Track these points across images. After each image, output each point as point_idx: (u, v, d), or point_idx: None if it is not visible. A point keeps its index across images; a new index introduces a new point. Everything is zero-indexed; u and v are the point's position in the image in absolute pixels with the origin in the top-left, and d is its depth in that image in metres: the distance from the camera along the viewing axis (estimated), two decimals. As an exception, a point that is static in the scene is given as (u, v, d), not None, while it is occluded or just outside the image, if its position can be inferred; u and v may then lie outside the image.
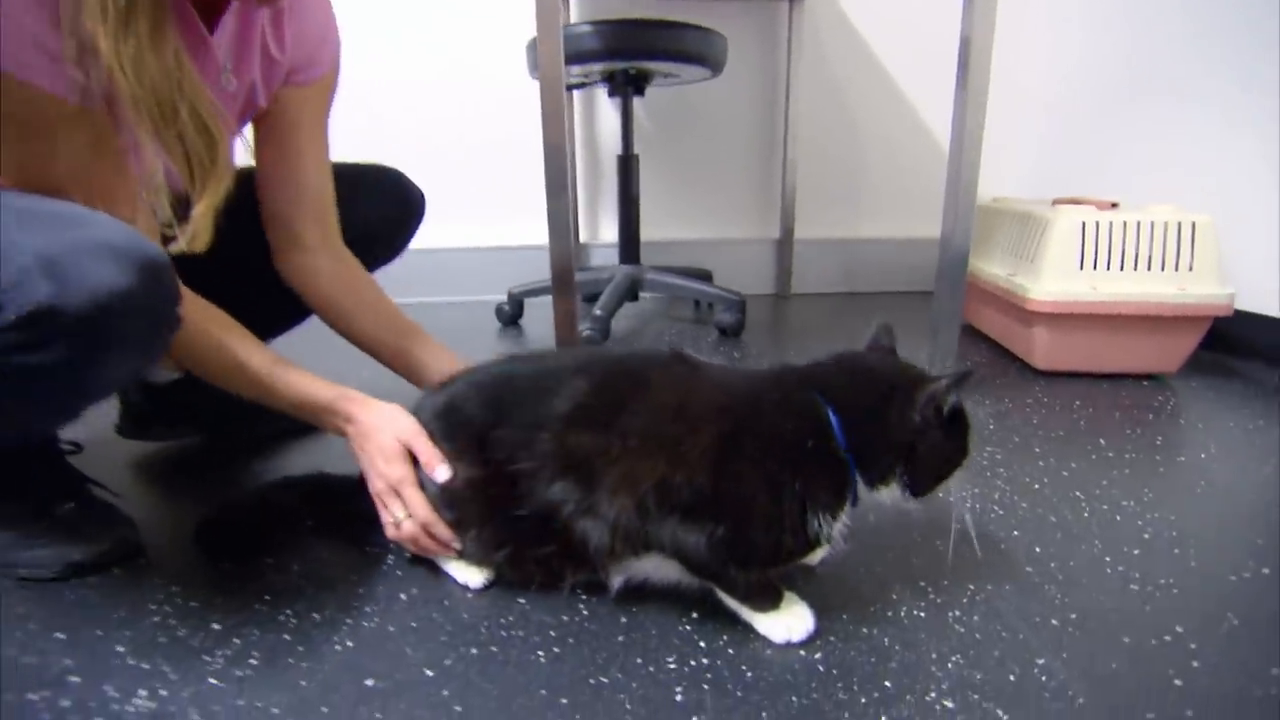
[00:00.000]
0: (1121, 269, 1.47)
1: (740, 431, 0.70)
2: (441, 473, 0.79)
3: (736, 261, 2.39)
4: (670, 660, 0.69)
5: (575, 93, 2.20)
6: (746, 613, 0.74)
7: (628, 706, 0.63)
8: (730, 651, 0.70)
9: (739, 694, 0.65)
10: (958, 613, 0.76)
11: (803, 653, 0.70)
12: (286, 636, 0.73)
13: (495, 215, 2.32)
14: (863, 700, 0.64)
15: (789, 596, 0.74)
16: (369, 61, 2.10)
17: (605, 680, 0.66)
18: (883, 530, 0.92)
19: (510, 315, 2.04)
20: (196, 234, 0.76)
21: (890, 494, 0.72)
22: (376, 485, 0.82)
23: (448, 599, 0.79)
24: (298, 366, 0.88)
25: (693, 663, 0.69)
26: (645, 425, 0.72)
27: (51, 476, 0.92)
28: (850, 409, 0.71)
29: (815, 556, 0.85)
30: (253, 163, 1.04)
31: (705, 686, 0.65)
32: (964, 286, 1.39)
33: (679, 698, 0.64)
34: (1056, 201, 1.68)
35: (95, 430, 1.25)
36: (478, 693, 0.65)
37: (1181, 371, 1.54)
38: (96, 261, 0.64)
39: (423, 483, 0.80)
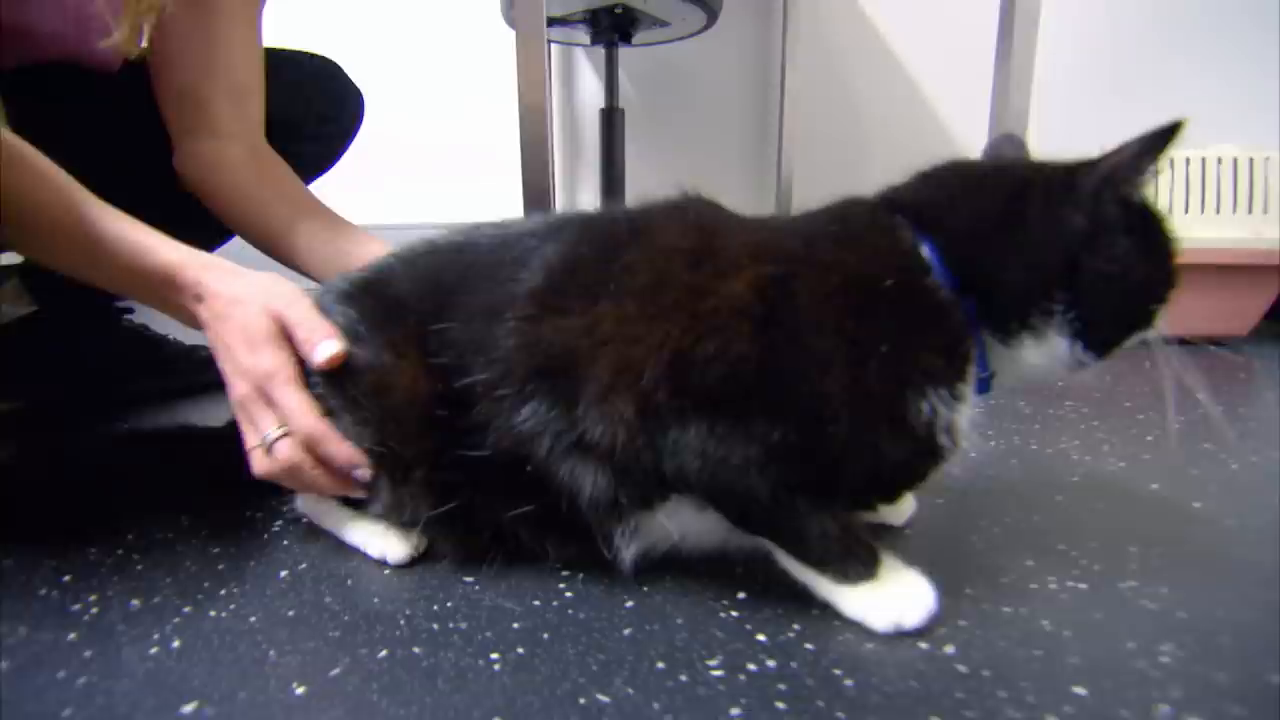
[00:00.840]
0: (1186, 212, 1.26)
1: (793, 275, 0.44)
2: (325, 349, 0.51)
3: (728, 243, 2.16)
4: (714, 663, 0.42)
5: (553, 47, 1.98)
6: (826, 585, 0.46)
7: (648, 741, 0.35)
8: (809, 647, 0.43)
9: (840, 716, 0.37)
10: (1134, 583, 0.50)
11: (923, 645, 0.43)
12: (71, 635, 0.44)
13: (462, 175, 2.06)
14: (1049, 718, 0.37)
15: (890, 561, 0.47)
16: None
17: (606, 699, 0.38)
18: (976, 481, 0.67)
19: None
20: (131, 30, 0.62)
21: (1046, 352, 0.46)
22: (237, 390, 0.53)
23: (352, 577, 0.51)
24: (142, 224, 0.59)
25: (751, 667, 0.41)
26: (647, 281, 0.46)
27: None
28: (954, 228, 0.46)
29: (903, 510, 0.59)
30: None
31: (780, 705, 0.38)
32: None
33: (737, 722, 0.37)
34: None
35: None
36: (383, 722, 0.36)
37: (1251, 338, 1.32)
38: None
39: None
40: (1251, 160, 1.26)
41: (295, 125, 0.92)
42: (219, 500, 0.62)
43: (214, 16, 0.79)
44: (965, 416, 0.46)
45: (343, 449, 0.50)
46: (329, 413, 0.51)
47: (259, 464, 0.52)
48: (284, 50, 0.96)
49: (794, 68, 2.06)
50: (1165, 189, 1.27)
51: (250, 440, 0.53)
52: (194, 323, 0.58)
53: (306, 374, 0.52)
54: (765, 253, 0.46)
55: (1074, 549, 0.55)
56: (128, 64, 0.81)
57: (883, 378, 0.43)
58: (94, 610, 0.46)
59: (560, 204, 2.18)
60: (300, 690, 0.39)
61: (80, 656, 0.42)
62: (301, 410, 0.51)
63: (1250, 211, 1.26)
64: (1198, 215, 1.27)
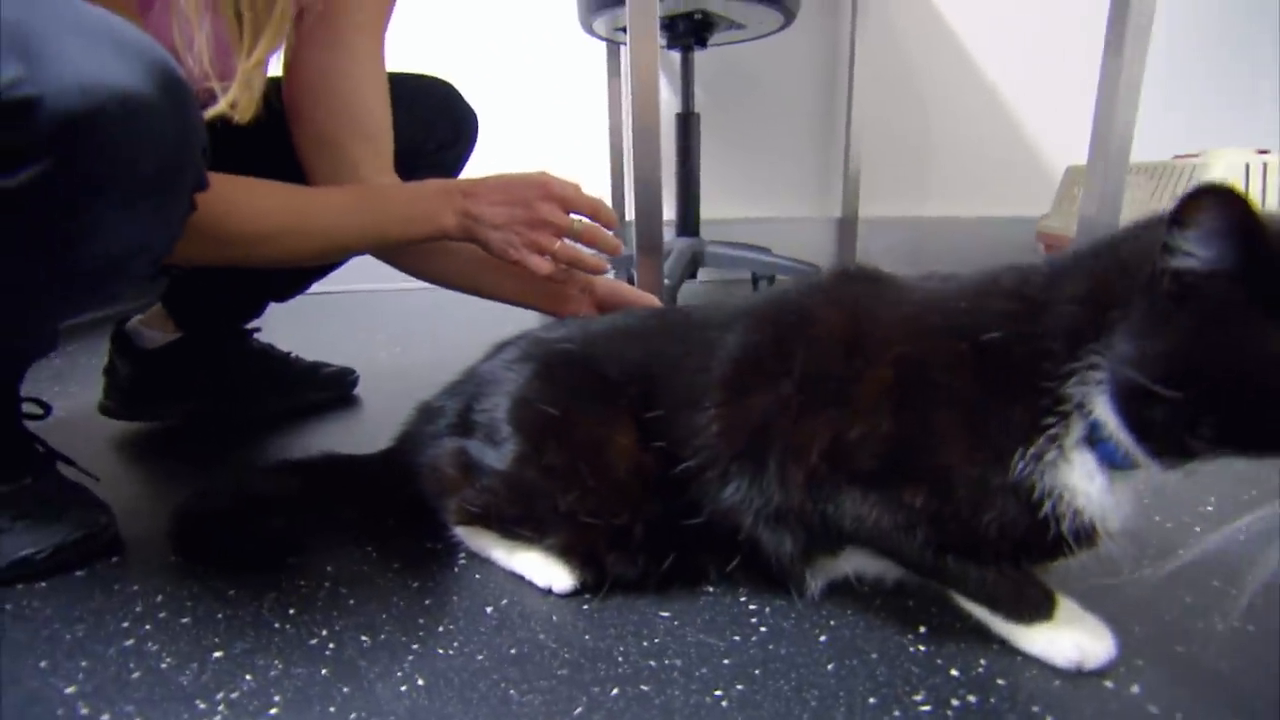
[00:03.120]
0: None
1: (925, 351, 0.47)
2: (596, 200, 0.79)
3: (795, 241, 2.15)
4: (920, 698, 0.45)
5: (622, 49, 1.99)
6: (1000, 625, 0.50)
7: (885, 780, 0.39)
8: (1001, 683, 0.46)
9: (1056, 756, 0.40)
10: (1300, 621, 0.52)
11: (1109, 684, 0.46)
12: (324, 671, 0.48)
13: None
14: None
15: (1067, 605, 0.50)
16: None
17: (830, 735, 0.42)
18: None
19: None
20: (243, 92, 0.62)
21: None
22: (528, 211, 0.74)
23: (555, 613, 0.55)
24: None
25: (955, 702, 0.44)
26: (810, 372, 0.50)
27: (4, 444, 0.67)
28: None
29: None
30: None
31: (995, 744, 0.41)
32: None
33: (964, 764, 0.40)
34: (1178, 158, 1.47)
35: (74, 410, 1.01)
36: (635, 759, 0.40)
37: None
38: (92, 46, 0.45)
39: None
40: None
41: (417, 151, 0.95)
42: (389, 530, 0.67)
43: (348, 61, 0.83)
44: (1089, 482, 0.44)
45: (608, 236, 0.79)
46: (553, 471, 0.56)
47: (561, 256, 0.76)
48: (403, 75, 0.99)
49: (862, 65, 2.04)
50: (1276, 193, 1.25)
51: (544, 242, 0.75)
52: (459, 225, 0.75)
53: (531, 430, 0.58)
54: (907, 331, 0.49)
55: (1231, 586, 0.57)
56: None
57: (987, 441, 0.45)
58: (331, 645, 0.51)
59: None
60: (549, 726, 0.43)
61: (341, 692, 0.46)
62: (584, 195, 0.77)
63: None
64: None
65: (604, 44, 1.96)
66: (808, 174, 2.22)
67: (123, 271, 0.56)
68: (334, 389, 1.08)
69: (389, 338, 1.47)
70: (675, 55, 1.76)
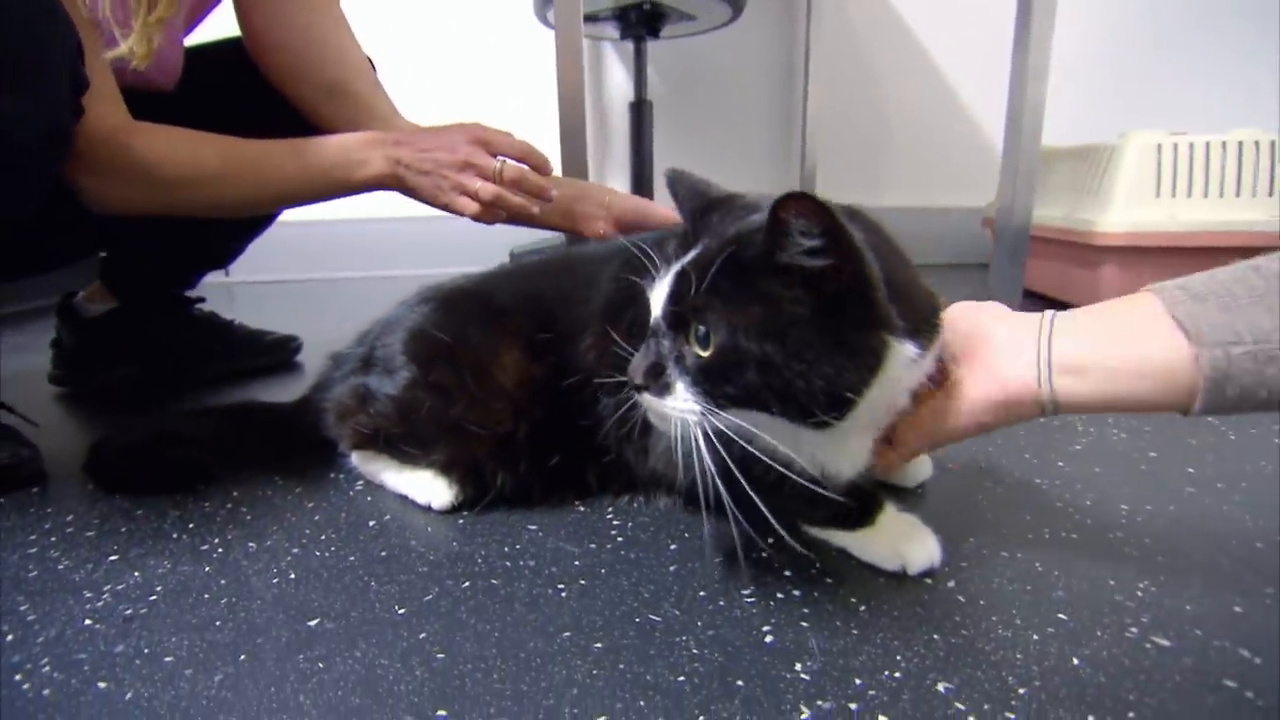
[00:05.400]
0: (1206, 195, 1.29)
1: None
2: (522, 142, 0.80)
3: (752, 230, 2.21)
4: (748, 593, 0.49)
5: (583, 42, 2.04)
6: (831, 533, 0.54)
7: (694, 650, 0.43)
8: (829, 581, 0.50)
9: (855, 631, 0.44)
10: (1120, 534, 0.56)
11: (929, 581, 0.50)
12: (207, 569, 0.52)
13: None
14: (1034, 636, 0.44)
15: (900, 517, 0.54)
16: None
17: (657, 618, 0.46)
18: (984, 449, 0.73)
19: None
20: (140, 44, 0.68)
21: None
22: (453, 154, 0.77)
23: (431, 526, 0.59)
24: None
25: (779, 595, 0.48)
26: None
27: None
28: None
29: (915, 474, 0.65)
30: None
31: (804, 624, 0.45)
32: (1025, 252, 1.24)
33: (769, 639, 0.44)
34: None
35: (28, 379, 1.05)
36: (471, 636, 0.44)
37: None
38: None
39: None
40: (1271, 143, 1.28)
41: None
42: (302, 464, 0.71)
43: (325, 14, 0.90)
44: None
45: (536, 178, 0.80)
46: (441, 389, 0.60)
47: (484, 195, 0.77)
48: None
49: (818, 58, 2.09)
50: (1186, 172, 1.30)
51: (469, 186, 0.78)
52: (391, 166, 0.77)
53: (422, 356, 0.62)
54: None
55: (1070, 506, 0.61)
56: (182, 82, 0.89)
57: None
58: (220, 550, 0.55)
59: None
60: (402, 611, 0.47)
61: (218, 584, 0.50)
62: (515, 139, 0.79)
63: (1271, 194, 1.28)
64: (1217, 198, 1.30)
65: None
66: (764, 164, 2.26)
67: (7, 149, 0.60)
68: (276, 355, 1.12)
69: (341, 315, 1.51)
70: (629, 46, 1.80)
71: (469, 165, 0.79)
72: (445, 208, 0.80)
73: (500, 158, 0.80)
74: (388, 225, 1.98)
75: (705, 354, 0.43)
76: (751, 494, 0.45)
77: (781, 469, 0.46)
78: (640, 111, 1.78)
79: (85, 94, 0.65)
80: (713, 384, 0.43)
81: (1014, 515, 0.59)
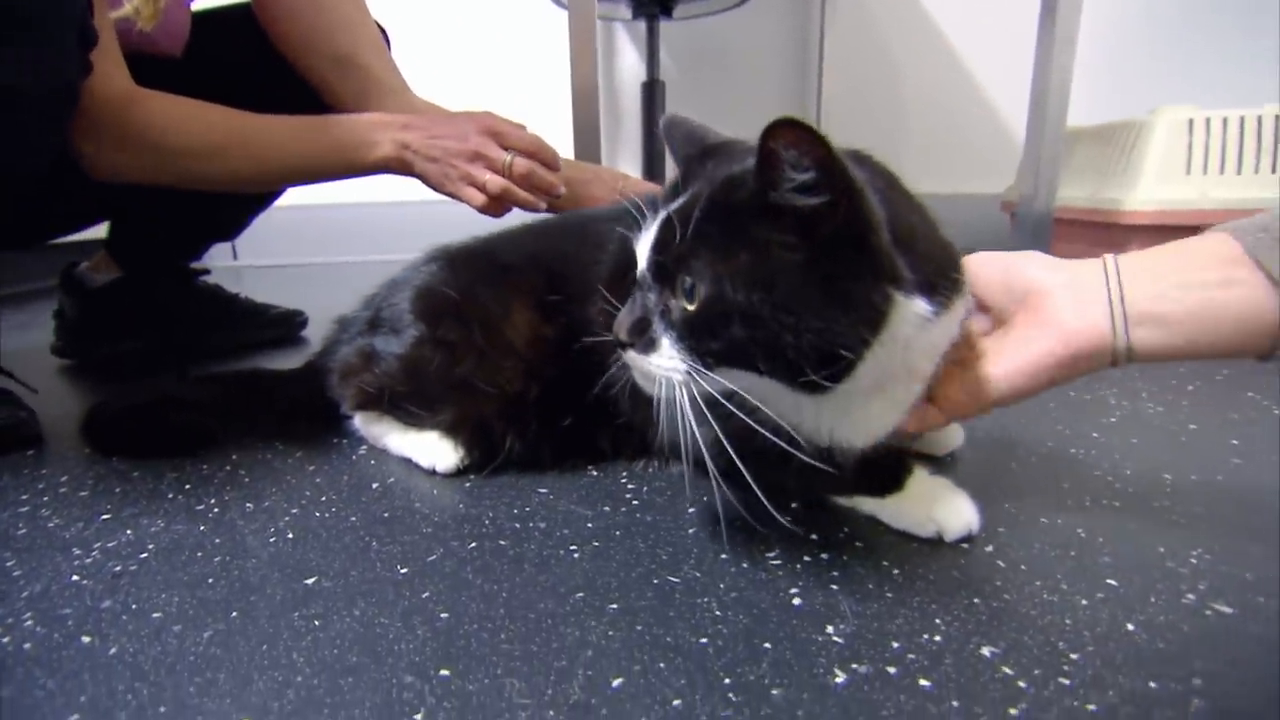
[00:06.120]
0: (1239, 172, 1.25)
1: None
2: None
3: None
4: (773, 555, 0.46)
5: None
6: (864, 503, 0.51)
7: (717, 613, 0.40)
8: (858, 545, 0.47)
9: (889, 595, 0.41)
10: (1167, 503, 0.52)
11: (965, 546, 0.47)
12: (202, 528, 0.50)
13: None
14: (1083, 602, 0.40)
15: (934, 480, 0.50)
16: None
17: (676, 580, 0.43)
18: (1014, 421, 0.69)
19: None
20: (145, 5, 0.67)
21: None
22: (463, 144, 0.75)
23: (438, 489, 0.56)
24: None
25: (806, 558, 0.45)
26: None
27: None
28: None
29: (946, 442, 0.62)
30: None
31: (833, 588, 0.42)
32: (1049, 235, 1.21)
33: (797, 601, 0.41)
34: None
35: (30, 351, 1.03)
36: (477, 595, 0.41)
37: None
38: None
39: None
40: (1303, 119, 1.24)
41: None
42: (305, 430, 0.68)
43: None
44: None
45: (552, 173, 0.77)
46: (449, 346, 0.57)
47: (491, 188, 0.74)
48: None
49: (833, 38, 2.06)
50: (1217, 149, 1.26)
51: (479, 178, 0.75)
52: (399, 150, 0.75)
53: (430, 313, 0.59)
54: None
55: (1109, 475, 0.57)
56: (189, 49, 0.87)
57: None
58: (215, 510, 0.52)
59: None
60: (404, 570, 0.44)
61: (212, 542, 0.48)
62: (526, 133, 0.77)
63: (1299, 171, 1.24)
64: (1252, 175, 1.25)
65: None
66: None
67: (17, 101, 0.57)
68: (281, 328, 1.10)
69: (349, 297, 1.49)
70: (640, 25, 1.77)
71: (479, 156, 0.76)
72: (452, 196, 0.78)
73: (510, 152, 0.77)
74: (397, 209, 1.96)
75: (692, 307, 0.39)
76: (741, 467, 0.41)
77: (784, 444, 0.42)
78: (653, 91, 1.75)
79: (93, 50, 0.63)
80: (698, 339, 0.40)
81: (1051, 483, 0.56)
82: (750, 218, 0.38)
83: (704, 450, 0.42)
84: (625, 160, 2.19)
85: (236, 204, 1.02)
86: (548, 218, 0.71)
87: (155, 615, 0.39)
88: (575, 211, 0.73)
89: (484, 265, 0.61)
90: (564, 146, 1.16)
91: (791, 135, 0.35)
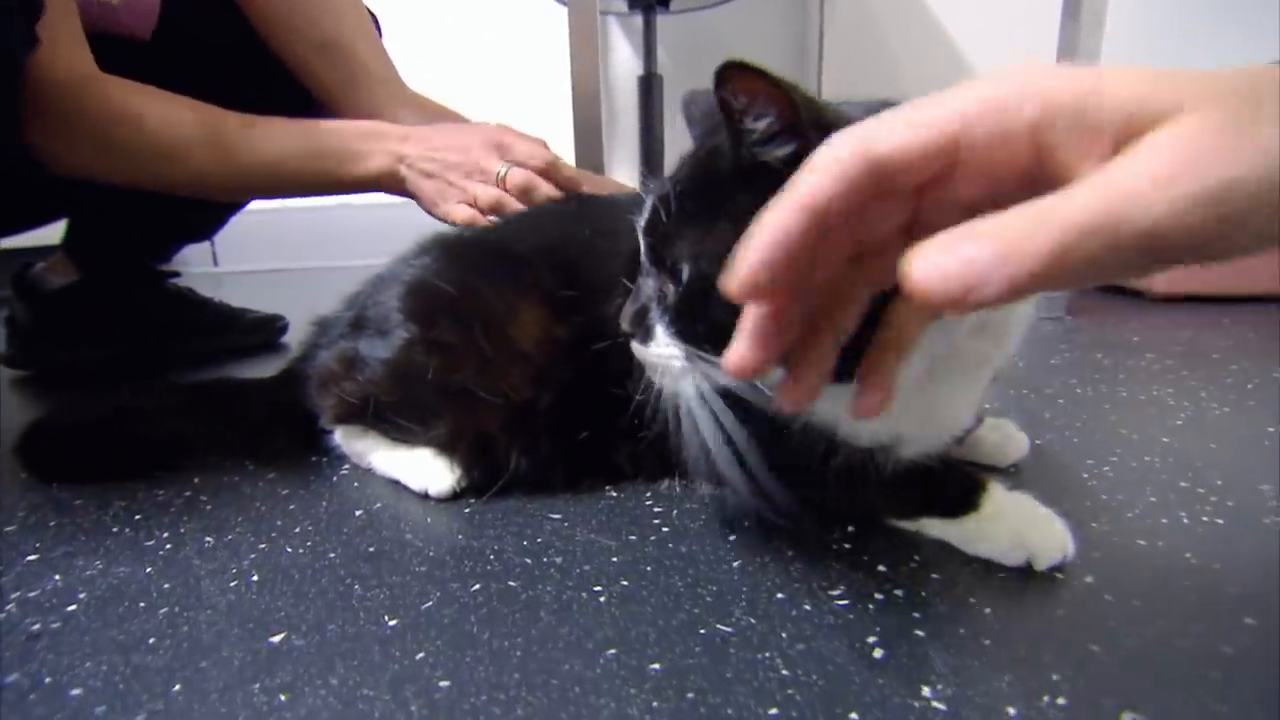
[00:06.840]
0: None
1: None
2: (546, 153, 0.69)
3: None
4: (838, 594, 0.38)
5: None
6: (932, 525, 0.43)
7: (784, 672, 0.32)
8: (935, 577, 0.40)
9: (987, 643, 0.34)
10: (1277, 519, 0.46)
11: (1059, 576, 0.40)
12: (148, 570, 0.41)
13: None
14: (1226, 650, 0.33)
15: (1001, 492, 0.43)
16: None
17: (727, 629, 0.35)
18: (1072, 425, 0.62)
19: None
20: None
21: None
22: (465, 156, 0.67)
23: (432, 516, 0.48)
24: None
25: (878, 595, 0.38)
26: None
27: None
28: None
29: (1009, 453, 0.55)
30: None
31: (919, 633, 0.35)
32: None
33: (878, 653, 0.33)
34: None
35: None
36: (484, 655, 0.34)
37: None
38: None
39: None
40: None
41: None
42: (278, 446, 0.60)
43: None
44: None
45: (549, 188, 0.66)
46: (445, 348, 0.49)
47: (482, 201, 0.65)
48: None
49: (832, 35, 2.00)
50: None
51: (475, 192, 0.66)
52: (391, 163, 0.68)
53: (422, 312, 0.51)
54: None
55: (1198, 486, 0.51)
56: (159, 30, 0.79)
57: None
58: (168, 546, 0.44)
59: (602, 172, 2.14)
60: (393, 623, 0.36)
61: (160, 588, 0.39)
62: (538, 148, 0.68)
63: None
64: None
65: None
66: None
67: None
68: (259, 334, 1.01)
69: (334, 303, 1.41)
70: (636, 20, 1.71)
71: (479, 171, 0.67)
72: (442, 219, 0.68)
73: (505, 163, 0.68)
74: (386, 211, 1.88)
75: (678, 289, 0.37)
76: (746, 470, 0.37)
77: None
78: (650, 86, 1.67)
79: (40, 20, 0.54)
80: (684, 323, 0.37)
81: (1136, 497, 0.49)
82: (731, 186, 0.34)
83: (713, 454, 0.37)
84: (622, 156, 2.12)
85: (209, 202, 0.94)
86: (555, 205, 0.63)
87: (74, 692, 0.31)
88: (587, 197, 0.65)
89: (486, 256, 0.54)
90: (563, 146, 1.09)
91: (739, 81, 0.30)
